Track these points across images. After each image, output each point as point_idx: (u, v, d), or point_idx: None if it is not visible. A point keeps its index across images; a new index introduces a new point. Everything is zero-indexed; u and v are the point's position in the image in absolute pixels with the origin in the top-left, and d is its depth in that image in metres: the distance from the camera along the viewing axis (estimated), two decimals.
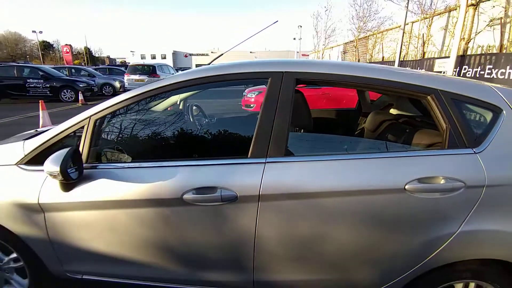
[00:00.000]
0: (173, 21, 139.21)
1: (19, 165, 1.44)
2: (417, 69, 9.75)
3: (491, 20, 8.44)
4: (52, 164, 1.20)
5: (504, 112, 1.23)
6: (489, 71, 6.67)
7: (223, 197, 1.23)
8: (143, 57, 53.88)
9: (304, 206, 1.23)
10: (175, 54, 54.91)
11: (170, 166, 1.31)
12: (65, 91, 10.65)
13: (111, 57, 71.50)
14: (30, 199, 1.38)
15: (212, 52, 59.23)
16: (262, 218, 1.24)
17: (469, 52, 7.74)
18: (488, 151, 1.19)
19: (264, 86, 1.36)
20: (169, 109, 2.10)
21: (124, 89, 13.65)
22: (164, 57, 53.44)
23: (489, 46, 7.65)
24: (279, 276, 1.35)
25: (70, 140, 1.50)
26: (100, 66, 19.15)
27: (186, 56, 54.67)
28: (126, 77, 12.65)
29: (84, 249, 1.43)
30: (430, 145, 1.44)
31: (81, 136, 1.41)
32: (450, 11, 10.41)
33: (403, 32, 10.48)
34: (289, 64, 1.38)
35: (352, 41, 18.91)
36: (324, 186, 1.21)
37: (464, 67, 7.52)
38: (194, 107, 2.30)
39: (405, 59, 10.70)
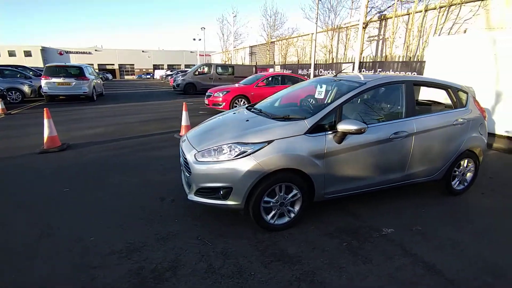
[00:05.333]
0: (39, 11, 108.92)
1: (306, 134, 2.60)
2: (328, 71, 13.17)
3: (369, 37, 12.56)
4: (350, 125, 2.52)
5: (468, 93, 3.45)
6: (379, 72, 10.36)
7: (405, 135, 2.91)
8: None
9: (426, 135, 3.07)
10: (45, 50, 44.51)
11: (385, 124, 2.90)
12: None
13: None
14: (320, 151, 2.60)
15: (96, 50, 51.64)
16: (415, 141, 3.00)
17: (363, 60, 11.46)
18: (468, 108, 3.37)
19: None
20: None
21: (37, 95, 11.56)
22: (29, 54, 42.57)
23: (372, 57, 11.56)
24: (414, 169, 3.13)
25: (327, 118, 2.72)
26: None
27: (61, 54, 45.46)
28: (44, 80, 10.75)
29: (341, 176, 2.75)
30: (444, 108, 3.56)
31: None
32: (347, 28, 14.42)
33: (315, 42, 13.75)
34: (410, 77, 3.20)
35: (264, 44, 21.91)
36: (428, 126, 3.08)
37: (362, 69, 11.13)
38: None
39: (318, 63, 14.06)
